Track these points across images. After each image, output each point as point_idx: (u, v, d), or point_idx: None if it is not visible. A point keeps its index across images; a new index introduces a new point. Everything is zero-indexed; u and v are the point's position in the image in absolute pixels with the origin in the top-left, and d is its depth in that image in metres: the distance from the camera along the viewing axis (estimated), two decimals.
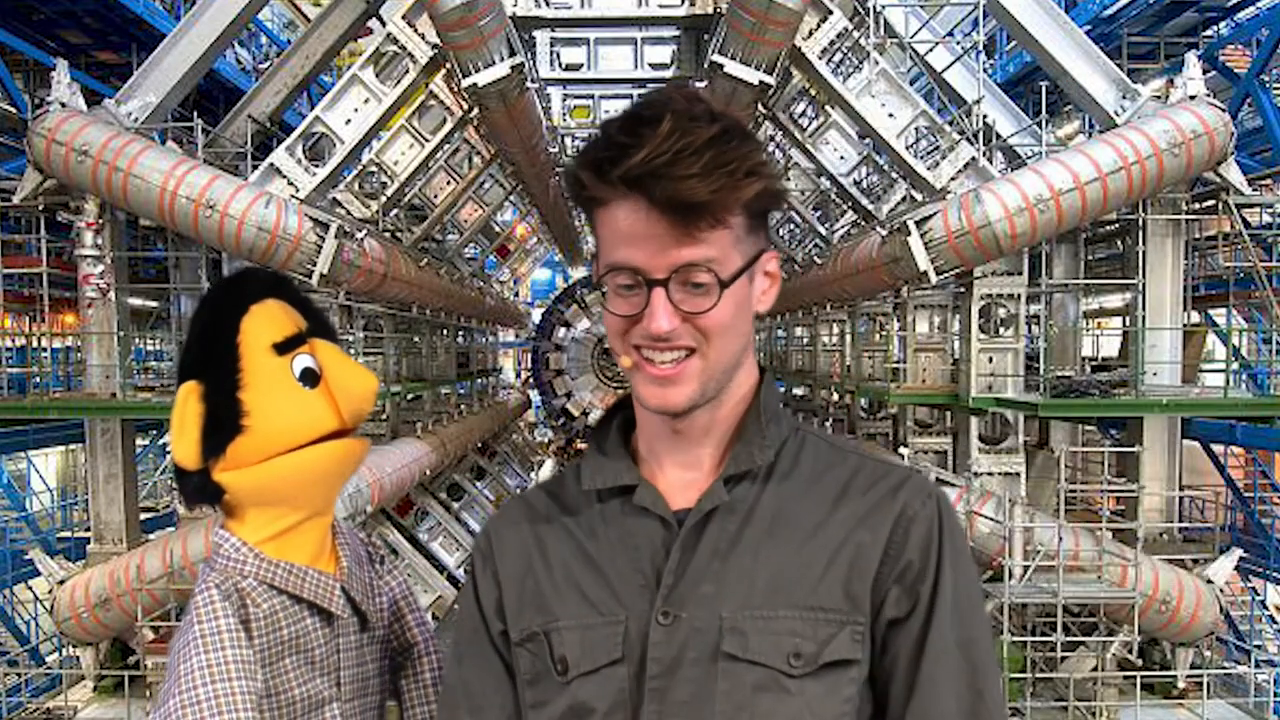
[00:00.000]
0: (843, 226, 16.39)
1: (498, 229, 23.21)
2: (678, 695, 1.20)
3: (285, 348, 1.50)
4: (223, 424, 1.45)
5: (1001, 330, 10.88)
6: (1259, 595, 14.79)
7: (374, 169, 12.69)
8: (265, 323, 1.50)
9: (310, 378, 1.50)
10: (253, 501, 1.49)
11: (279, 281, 1.60)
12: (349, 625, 1.57)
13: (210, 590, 1.43)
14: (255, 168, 10.87)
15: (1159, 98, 10.85)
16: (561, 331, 31.16)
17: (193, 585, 1.44)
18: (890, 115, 10.66)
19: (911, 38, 11.80)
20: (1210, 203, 11.15)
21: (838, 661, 1.19)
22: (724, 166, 1.12)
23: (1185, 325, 11.85)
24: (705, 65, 10.91)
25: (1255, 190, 11.80)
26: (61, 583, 10.66)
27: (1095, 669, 10.47)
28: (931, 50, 12.48)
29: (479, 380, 23.32)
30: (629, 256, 1.16)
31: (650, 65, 14.70)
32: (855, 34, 10.64)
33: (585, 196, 1.18)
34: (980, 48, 12.01)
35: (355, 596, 1.58)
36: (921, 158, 10.81)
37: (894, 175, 13.19)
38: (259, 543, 1.48)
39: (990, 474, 10.91)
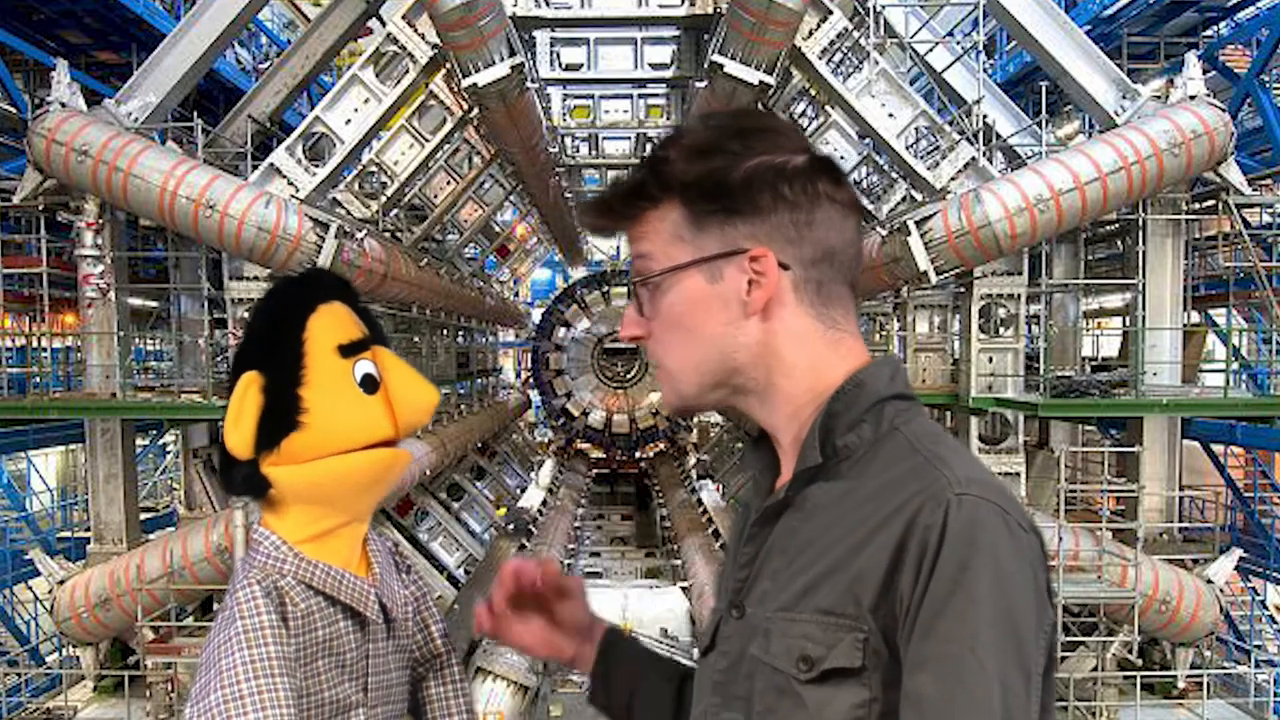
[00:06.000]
0: None
1: (498, 229, 23.21)
2: (735, 690, 1.21)
3: (349, 351, 1.50)
4: (281, 418, 1.45)
5: (1001, 330, 10.88)
6: (1259, 595, 14.78)
7: (374, 169, 12.67)
8: (332, 324, 1.50)
9: (370, 384, 1.50)
10: (298, 499, 1.49)
11: (345, 286, 1.60)
12: (378, 631, 1.56)
13: (253, 586, 1.43)
14: (255, 168, 10.86)
15: (1159, 98, 10.85)
16: (561, 331, 31.14)
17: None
18: (890, 115, 10.66)
19: (911, 38, 11.80)
20: (1210, 203, 11.17)
21: (838, 670, 1.14)
22: (635, 176, 1.22)
23: (1185, 325, 11.86)
24: (705, 65, 10.92)
25: (1255, 190, 11.80)
26: (61, 583, 10.66)
27: (1095, 669, 10.47)
28: (931, 50, 12.48)
29: (479, 380, 23.32)
30: None
31: (650, 65, 14.71)
32: (855, 34, 10.63)
33: None
34: (980, 48, 12.01)
35: (386, 603, 1.58)
36: (921, 158, 10.80)
37: (894, 175, 13.19)
38: (298, 542, 1.48)
39: None
